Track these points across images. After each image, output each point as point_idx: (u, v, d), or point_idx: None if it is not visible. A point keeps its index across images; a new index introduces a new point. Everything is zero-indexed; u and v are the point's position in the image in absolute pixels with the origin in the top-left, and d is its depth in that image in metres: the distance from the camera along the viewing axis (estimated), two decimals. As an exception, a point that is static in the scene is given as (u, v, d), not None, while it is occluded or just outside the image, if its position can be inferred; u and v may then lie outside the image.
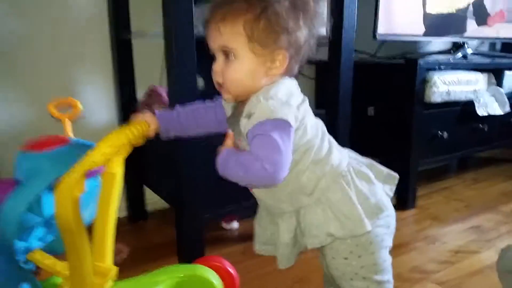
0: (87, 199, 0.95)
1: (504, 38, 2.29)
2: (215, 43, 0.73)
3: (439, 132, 1.86)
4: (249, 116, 0.70)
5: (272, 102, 0.69)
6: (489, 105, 1.96)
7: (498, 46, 2.75)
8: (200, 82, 1.15)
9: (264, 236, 0.88)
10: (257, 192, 0.81)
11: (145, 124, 0.83)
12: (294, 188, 0.76)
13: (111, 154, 0.75)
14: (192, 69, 1.15)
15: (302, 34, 0.73)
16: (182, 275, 0.90)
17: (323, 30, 1.54)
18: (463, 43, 2.11)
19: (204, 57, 0.84)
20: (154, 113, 0.87)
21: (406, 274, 1.32)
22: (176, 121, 0.88)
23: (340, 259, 0.81)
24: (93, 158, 0.73)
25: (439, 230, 1.64)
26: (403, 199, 1.84)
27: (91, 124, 1.54)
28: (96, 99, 1.60)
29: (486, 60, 2.10)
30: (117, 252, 1.07)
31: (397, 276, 1.29)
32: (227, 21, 0.70)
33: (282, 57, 0.72)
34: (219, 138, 0.80)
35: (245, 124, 0.71)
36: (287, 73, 0.76)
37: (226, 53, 0.73)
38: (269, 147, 0.67)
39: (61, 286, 0.98)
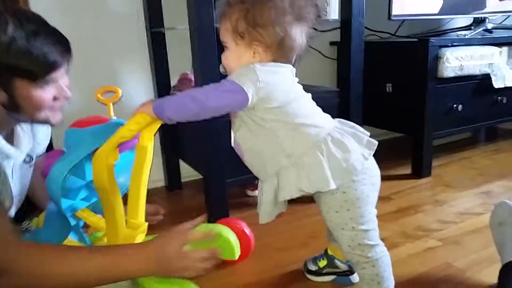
0: (126, 167, 1.13)
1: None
2: (220, 37, 0.95)
3: (454, 105, 1.96)
4: None
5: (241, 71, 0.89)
6: (507, 78, 2.01)
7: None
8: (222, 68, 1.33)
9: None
10: (247, 159, 0.98)
11: None
12: (276, 151, 0.92)
13: (137, 130, 0.91)
14: (212, 57, 1.34)
15: (277, 31, 0.88)
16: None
17: (335, 15, 1.70)
18: (484, 19, 2.17)
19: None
20: None
21: (410, 231, 1.45)
22: None
23: (333, 212, 0.96)
24: (122, 133, 0.91)
25: (450, 195, 1.74)
26: (418, 169, 1.96)
27: (131, 106, 1.74)
28: (136, 85, 1.82)
29: (505, 34, 2.12)
30: (154, 213, 1.28)
31: (401, 234, 1.46)
32: (222, 20, 0.92)
33: (261, 48, 0.91)
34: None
35: None
36: (278, 59, 0.92)
37: (225, 44, 0.94)
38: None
39: (102, 238, 1.18)
